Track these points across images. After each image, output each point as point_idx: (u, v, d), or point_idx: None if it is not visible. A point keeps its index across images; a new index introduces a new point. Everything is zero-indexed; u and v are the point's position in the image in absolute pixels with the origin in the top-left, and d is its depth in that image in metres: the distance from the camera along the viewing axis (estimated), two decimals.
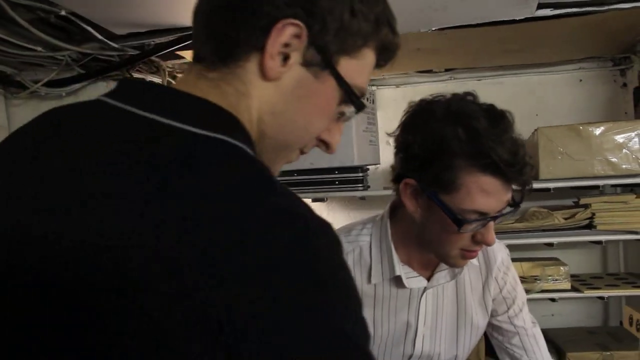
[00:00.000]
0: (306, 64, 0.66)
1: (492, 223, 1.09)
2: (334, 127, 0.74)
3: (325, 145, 0.75)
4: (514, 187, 1.09)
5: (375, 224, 1.26)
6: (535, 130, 2.61)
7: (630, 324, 2.16)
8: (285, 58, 0.65)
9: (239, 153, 0.60)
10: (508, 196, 1.08)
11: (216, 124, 0.61)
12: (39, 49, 2.06)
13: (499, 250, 1.34)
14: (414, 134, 1.10)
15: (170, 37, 2.10)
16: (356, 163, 2.52)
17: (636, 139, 2.46)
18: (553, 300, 2.63)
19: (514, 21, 2.09)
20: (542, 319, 3.00)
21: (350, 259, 1.21)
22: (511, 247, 2.65)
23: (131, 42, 2.16)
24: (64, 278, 0.51)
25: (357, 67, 0.70)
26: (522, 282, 2.55)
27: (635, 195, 2.55)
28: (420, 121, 1.11)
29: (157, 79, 2.57)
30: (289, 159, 0.75)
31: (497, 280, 1.31)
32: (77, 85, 2.32)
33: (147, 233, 0.50)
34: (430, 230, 1.13)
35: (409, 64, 2.96)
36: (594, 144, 2.49)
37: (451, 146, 1.04)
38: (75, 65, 2.24)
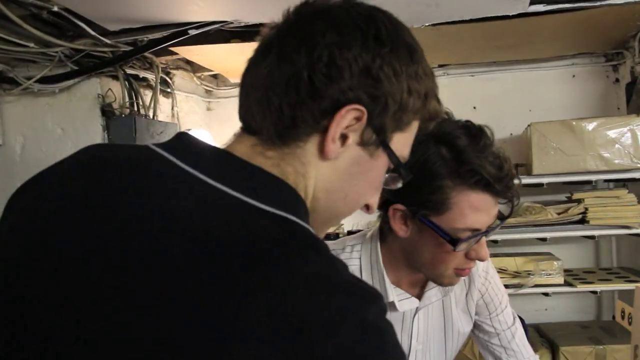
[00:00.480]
0: (363, 143, 0.66)
1: (484, 239, 1.09)
2: (375, 194, 0.74)
3: (366, 208, 0.75)
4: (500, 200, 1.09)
5: (364, 245, 1.25)
6: (529, 125, 2.62)
7: (622, 317, 2.18)
8: (344, 138, 0.65)
9: (306, 235, 0.59)
10: (497, 210, 1.08)
11: (284, 202, 0.61)
12: (32, 45, 2.06)
13: None
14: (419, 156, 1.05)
15: (164, 33, 2.10)
16: None
17: (628, 134, 2.47)
18: (546, 294, 2.65)
19: (507, 17, 2.10)
20: (536, 314, 3.02)
21: None
22: (505, 242, 2.68)
23: (124, 38, 2.16)
24: None
25: (406, 139, 0.71)
26: (515, 276, 2.59)
27: (627, 190, 2.57)
28: (429, 151, 1.06)
29: (150, 75, 2.57)
30: (326, 231, 0.75)
31: (478, 287, 1.32)
32: (70, 82, 2.31)
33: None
34: (422, 253, 1.11)
35: None
36: (587, 139, 2.50)
37: (437, 168, 1.03)
38: (68, 61, 2.24)
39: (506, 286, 2.56)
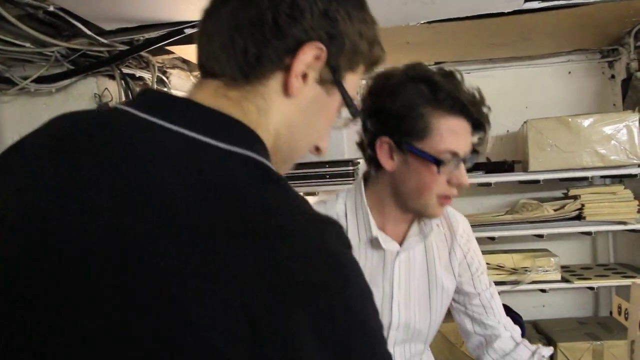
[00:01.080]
0: (321, 81, 0.71)
1: (463, 165, 1.19)
2: (326, 134, 0.80)
3: (317, 150, 0.80)
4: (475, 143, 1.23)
5: (349, 193, 1.33)
6: (525, 122, 2.63)
7: (619, 313, 2.18)
8: (304, 76, 0.70)
9: (264, 169, 0.63)
10: (472, 139, 1.20)
11: (244, 141, 0.64)
12: (28, 45, 2.05)
13: (461, 219, 1.43)
14: (382, 98, 1.20)
15: (160, 32, 2.10)
16: (347, 157, 2.53)
17: (624, 131, 2.48)
18: (543, 291, 2.65)
19: (502, 14, 2.10)
20: (533, 310, 3.03)
21: None
22: (501, 239, 2.69)
23: (120, 37, 2.16)
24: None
25: (354, 80, 0.76)
26: (512, 273, 2.60)
27: (623, 186, 2.58)
28: (385, 87, 1.21)
29: (146, 75, 2.57)
30: (286, 172, 0.78)
31: (460, 246, 1.39)
32: (67, 82, 2.31)
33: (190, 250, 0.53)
34: (408, 183, 1.22)
35: (397, 57, 2.94)
36: (583, 136, 2.51)
37: (417, 99, 1.16)
38: (65, 61, 2.23)
39: (503, 283, 2.59)
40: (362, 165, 2.91)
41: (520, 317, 2.73)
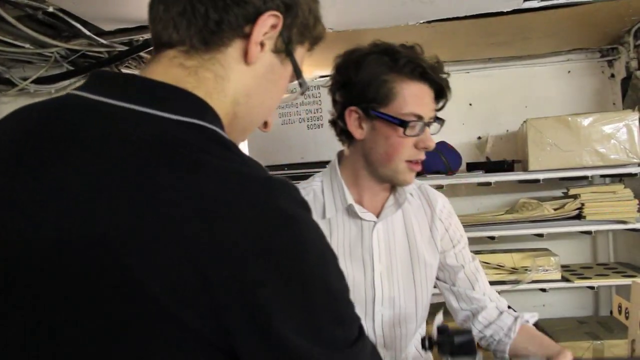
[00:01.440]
0: (276, 50, 0.74)
1: (428, 129, 1.27)
2: (276, 108, 0.83)
3: (264, 124, 0.83)
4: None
5: (325, 172, 1.40)
6: (524, 122, 2.63)
7: (620, 312, 2.18)
8: (262, 44, 0.72)
9: (214, 135, 0.66)
10: (434, 103, 1.28)
11: (191, 110, 0.66)
12: (27, 45, 2.06)
13: (439, 196, 1.47)
14: (349, 70, 1.28)
15: None
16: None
17: (624, 130, 2.48)
18: (544, 290, 2.65)
19: (501, 13, 2.10)
20: (533, 309, 3.01)
21: None
22: (501, 239, 2.69)
23: (120, 38, 2.16)
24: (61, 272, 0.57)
25: (302, 54, 0.80)
26: (512, 273, 2.60)
27: (623, 185, 2.58)
28: (352, 61, 1.28)
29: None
30: (244, 139, 0.82)
31: (442, 220, 1.43)
32: (66, 82, 2.31)
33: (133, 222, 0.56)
34: (377, 149, 1.28)
35: None
36: (583, 135, 2.51)
37: (380, 67, 1.24)
38: (64, 62, 2.24)
39: (503, 282, 2.59)
40: None
41: None
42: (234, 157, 0.63)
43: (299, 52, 0.78)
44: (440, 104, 1.31)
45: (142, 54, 2.35)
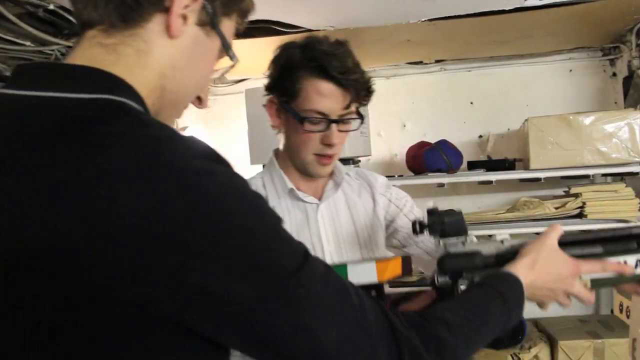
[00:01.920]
0: (200, 23, 0.75)
1: (335, 126, 1.27)
2: (207, 83, 0.84)
3: (199, 100, 0.85)
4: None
5: (264, 169, 1.45)
6: (526, 120, 2.62)
7: (621, 311, 2.19)
8: (184, 18, 0.72)
9: (122, 107, 0.66)
10: (345, 101, 1.26)
11: (99, 86, 0.66)
12: (28, 43, 2.05)
13: (379, 176, 1.53)
14: (274, 61, 1.32)
15: None
16: (347, 154, 2.52)
17: (626, 128, 2.48)
18: None
19: (503, 11, 2.10)
20: (534, 308, 2.99)
21: None
22: (503, 237, 2.68)
23: None
24: None
25: (231, 28, 0.81)
26: None
27: (625, 184, 2.57)
28: (278, 54, 1.32)
29: None
30: (179, 115, 0.83)
31: (382, 194, 1.48)
32: None
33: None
34: (290, 140, 1.34)
35: (399, 55, 2.97)
36: (584, 134, 2.50)
37: (294, 61, 1.26)
38: (65, 59, 2.23)
39: None
40: (362, 164, 2.92)
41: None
42: (137, 121, 0.63)
43: (227, 25, 0.79)
44: (353, 103, 1.30)
45: None
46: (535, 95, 3.09)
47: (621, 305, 2.21)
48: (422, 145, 2.84)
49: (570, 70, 3.08)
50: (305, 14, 2.06)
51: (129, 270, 0.56)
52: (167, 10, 0.71)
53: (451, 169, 2.71)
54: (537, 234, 2.63)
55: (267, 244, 0.63)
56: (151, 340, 0.60)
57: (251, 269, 0.60)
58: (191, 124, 2.96)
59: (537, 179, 2.61)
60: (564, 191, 2.77)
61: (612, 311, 2.98)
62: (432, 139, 2.83)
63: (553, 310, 3.05)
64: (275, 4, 1.94)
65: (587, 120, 2.51)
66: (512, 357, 2.61)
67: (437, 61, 3.12)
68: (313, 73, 1.25)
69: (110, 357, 0.59)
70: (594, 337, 2.60)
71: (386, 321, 0.72)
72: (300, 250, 0.67)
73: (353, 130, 1.33)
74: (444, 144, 2.75)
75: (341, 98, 1.26)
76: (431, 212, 1.06)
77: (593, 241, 1.02)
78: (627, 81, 2.83)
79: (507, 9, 2.08)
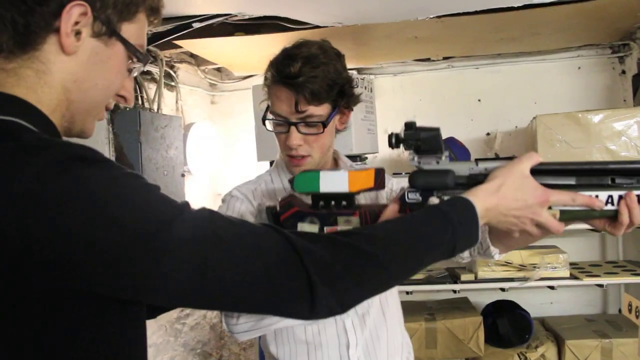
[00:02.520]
0: (95, 35, 0.80)
1: (293, 129, 1.30)
2: (127, 84, 0.90)
3: (123, 99, 0.90)
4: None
5: (272, 167, 1.49)
6: (534, 118, 2.61)
7: (630, 311, 2.17)
8: (78, 34, 0.78)
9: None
10: (296, 104, 1.28)
11: None
12: None
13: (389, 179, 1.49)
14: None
15: (168, 27, 2.09)
16: (354, 151, 2.52)
17: (635, 127, 2.46)
18: (552, 288, 2.64)
19: (511, 8, 2.09)
20: (541, 307, 3.01)
21: (259, 192, 1.42)
22: None
23: None
24: None
25: (136, 29, 0.85)
26: (520, 270, 2.58)
27: None
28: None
29: (154, 69, 2.57)
30: (99, 117, 0.88)
31: (392, 189, 1.45)
32: None
33: None
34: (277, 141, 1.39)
35: (406, 52, 2.96)
36: (593, 132, 2.49)
37: (268, 71, 1.33)
38: None
39: (511, 279, 2.58)
40: (369, 161, 2.91)
41: (528, 314, 2.72)
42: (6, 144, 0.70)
43: (131, 28, 0.84)
44: (311, 105, 1.29)
45: (150, 47, 2.35)
46: (543, 93, 3.07)
47: (630, 305, 2.19)
48: None
49: (579, 68, 3.07)
50: (313, 11, 2.05)
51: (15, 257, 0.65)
52: (58, 30, 0.77)
53: None
54: None
55: (118, 220, 0.68)
56: (61, 315, 0.69)
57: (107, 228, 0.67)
58: (198, 120, 2.97)
59: None
60: None
61: (619, 311, 2.97)
62: None
63: (560, 309, 3.03)
64: (283, 0, 1.94)
65: (596, 118, 2.49)
66: (519, 356, 2.60)
67: (445, 58, 3.11)
68: (271, 79, 1.32)
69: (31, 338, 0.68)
70: (601, 336, 2.58)
71: (287, 246, 0.76)
72: (170, 211, 0.73)
73: (315, 134, 1.30)
74: (451, 142, 2.74)
75: (293, 100, 1.27)
76: (409, 126, 1.02)
77: (567, 172, 0.99)
78: (637, 79, 2.81)
79: (515, 5, 2.07)
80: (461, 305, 2.84)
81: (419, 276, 2.78)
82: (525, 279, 2.58)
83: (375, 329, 1.37)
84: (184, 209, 0.74)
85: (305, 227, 1.11)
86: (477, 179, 0.99)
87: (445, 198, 0.99)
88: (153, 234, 0.69)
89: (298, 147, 1.30)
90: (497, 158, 1.02)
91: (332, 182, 1.09)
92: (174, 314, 2.82)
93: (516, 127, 3.09)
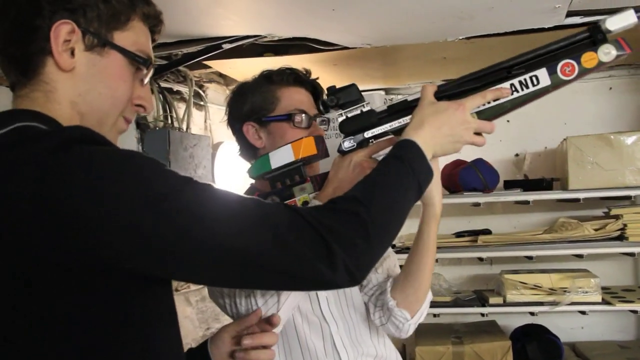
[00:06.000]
0: (88, 48, 0.85)
1: (316, 122, 1.42)
2: (142, 93, 0.93)
3: (142, 108, 0.94)
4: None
5: None
6: (565, 139, 2.58)
7: None
8: (72, 51, 0.84)
9: (25, 128, 0.77)
10: (314, 104, 1.42)
11: (6, 122, 0.77)
12: None
13: None
14: (236, 99, 1.45)
15: (198, 47, 2.12)
16: None
17: None
18: (583, 312, 2.58)
19: (542, 29, 2.07)
20: (572, 332, 2.95)
21: None
22: (539, 258, 2.63)
23: (159, 52, 2.19)
24: None
25: (132, 36, 0.89)
26: (550, 294, 2.53)
27: None
28: (237, 91, 1.47)
29: (184, 88, 2.60)
30: (119, 128, 0.93)
31: None
32: None
33: None
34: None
35: (434, 72, 2.95)
36: (626, 154, 2.44)
37: (261, 85, 1.42)
38: None
39: (541, 303, 2.52)
40: None
41: (558, 339, 2.66)
42: (21, 137, 0.75)
43: (124, 36, 0.88)
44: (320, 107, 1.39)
45: (180, 67, 2.39)
46: (574, 114, 3.03)
47: None
48: (457, 163, 2.80)
49: (610, 88, 3.02)
50: (342, 32, 2.06)
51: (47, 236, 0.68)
52: (51, 52, 0.83)
53: (487, 188, 2.67)
54: (577, 256, 2.59)
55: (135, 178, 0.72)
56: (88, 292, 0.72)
57: (124, 198, 0.70)
58: (226, 139, 2.99)
59: (576, 200, 2.55)
60: (604, 212, 2.70)
61: None
62: (468, 157, 2.79)
63: (591, 334, 2.96)
64: (312, 21, 1.95)
65: (629, 139, 2.45)
66: None
67: None
68: (284, 83, 1.40)
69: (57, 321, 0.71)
70: None
71: (296, 215, 0.79)
72: (178, 180, 0.76)
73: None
74: (479, 163, 2.72)
75: (311, 99, 1.43)
76: (330, 91, 1.17)
77: (467, 82, 1.13)
78: None
79: (546, 26, 2.05)
80: (489, 329, 2.79)
81: (446, 299, 2.74)
82: (555, 303, 2.52)
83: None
84: (191, 179, 0.78)
85: None
86: (396, 107, 1.15)
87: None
88: (165, 196, 0.72)
89: None
90: (404, 98, 1.17)
91: (281, 156, 1.22)
92: (197, 331, 2.83)
93: (545, 147, 3.05)
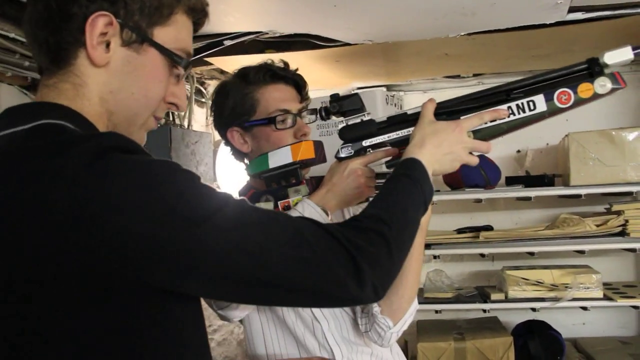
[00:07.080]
0: (125, 44, 0.79)
1: (301, 119, 1.40)
2: (176, 90, 0.88)
3: (175, 106, 0.89)
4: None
5: None
6: (566, 135, 2.58)
7: None
8: (108, 44, 0.78)
9: (52, 126, 0.73)
10: (299, 98, 1.41)
11: (35, 116, 0.74)
12: None
13: None
14: (219, 102, 1.42)
15: (199, 44, 2.12)
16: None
17: None
18: (585, 308, 2.58)
19: (544, 25, 2.07)
20: (573, 328, 2.95)
21: None
22: (541, 254, 2.63)
23: None
24: None
25: (173, 32, 0.83)
26: (552, 289, 2.53)
27: None
28: (219, 93, 1.44)
29: (185, 85, 2.60)
30: (147, 127, 0.88)
31: None
32: None
33: None
34: (267, 151, 1.37)
35: (436, 69, 2.95)
36: (627, 150, 2.44)
37: (238, 87, 1.39)
38: None
39: (542, 299, 2.53)
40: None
41: (560, 335, 2.67)
42: (52, 136, 0.71)
43: (164, 32, 0.82)
44: (305, 97, 1.43)
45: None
46: (575, 110, 3.00)
47: None
48: None
49: None
50: (344, 28, 2.06)
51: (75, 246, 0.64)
52: (85, 44, 0.78)
53: (489, 184, 2.67)
54: (578, 252, 2.59)
55: (157, 212, 0.68)
56: (121, 307, 0.68)
57: (158, 215, 0.67)
58: None
59: (578, 196, 2.55)
60: (606, 208, 2.70)
61: None
62: None
63: (593, 330, 2.97)
64: (314, 18, 1.95)
65: (631, 135, 2.45)
66: None
67: (475, 75, 3.09)
68: (261, 83, 1.38)
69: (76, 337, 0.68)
70: None
71: (324, 232, 0.78)
72: (215, 200, 0.73)
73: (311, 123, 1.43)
74: (481, 159, 2.71)
75: (294, 94, 1.41)
76: (333, 98, 1.20)
77: (466, 101, 1.15)
78: None
79: (548, 22, 2.05)
80: (491, 325, 2.79)
81: (447, 295, 2.75)
82: (557, 299, 2.53)
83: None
84: (228, 199, 0.75)
85: (262, 205, 1.23)
86: (395, 119, 1.17)
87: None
88: (203, 220, 0.69)
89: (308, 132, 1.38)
90: (405, 111, 1.19)
91: (279, 157, 1.24)
92: None
93: (547, 144, 3.05)
